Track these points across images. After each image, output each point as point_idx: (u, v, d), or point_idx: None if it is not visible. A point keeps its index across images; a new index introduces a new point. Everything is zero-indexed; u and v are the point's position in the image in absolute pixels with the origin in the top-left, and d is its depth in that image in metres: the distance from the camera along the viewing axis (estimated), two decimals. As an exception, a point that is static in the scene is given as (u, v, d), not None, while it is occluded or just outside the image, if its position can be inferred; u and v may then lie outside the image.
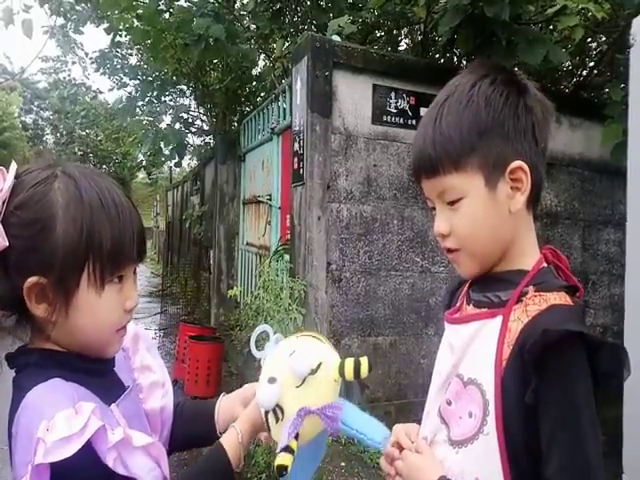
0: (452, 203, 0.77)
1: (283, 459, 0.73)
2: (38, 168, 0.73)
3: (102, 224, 0.70)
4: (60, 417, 0.60)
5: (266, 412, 0.79)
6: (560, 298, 0.72)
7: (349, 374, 0.77)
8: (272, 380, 0.78)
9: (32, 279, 0.67)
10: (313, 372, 0.77)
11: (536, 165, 0.76)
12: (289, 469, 0.73)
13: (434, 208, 0.81)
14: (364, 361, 0.78)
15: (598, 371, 0.67)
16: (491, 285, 0.79)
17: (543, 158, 0.79)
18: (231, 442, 0.83)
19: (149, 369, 0.91)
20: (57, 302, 0.69)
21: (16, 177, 0.70)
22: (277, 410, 0.77)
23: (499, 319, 0.73)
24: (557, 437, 0.66)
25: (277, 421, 0.78)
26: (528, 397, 0.66)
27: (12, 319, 0.73)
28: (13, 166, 0.70)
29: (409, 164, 3.36)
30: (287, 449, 0.74)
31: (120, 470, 0.63)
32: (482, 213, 0.75)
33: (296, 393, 0.77)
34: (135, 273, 0.78)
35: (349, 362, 0.78)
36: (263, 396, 0.78)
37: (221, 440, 0.84)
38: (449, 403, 0.79)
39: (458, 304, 0.86)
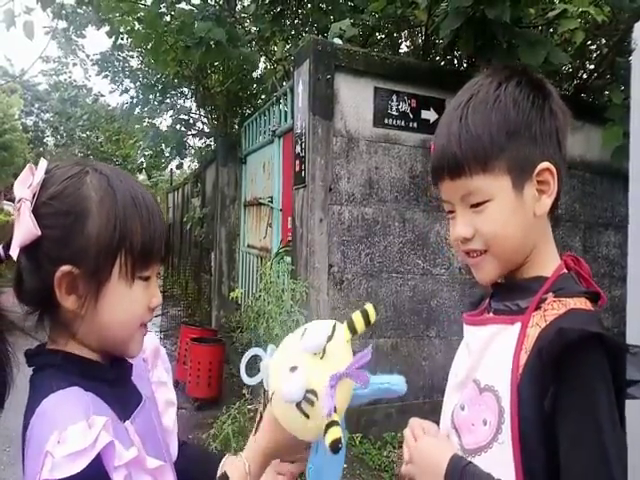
0: (476, 205, 0.74)
1: (334, 433, 0.67)
2: (68, 164, 0.74)
3: (134, 221, 0.71)
4: (73, 430, 0.59)
5: (297, 404, 0.72)
6: (580, 303, 0.70)
7: (360, 325, 0.74)
8: (293, 369, 0.72)
9: (65, 268, 0.67)
10: (330, 338, 0.72)
11: (560, 169, 0.75)
12: (343, 441, 0.69)
13: (451, 211, 0.79)
14: (370, 307, 0.75)
15: (620, 376, 0.65)
16: (510, 293, 0.77)
17: (564, 164, 0.77)
18: (239, 473, 0.76)
19: (165, 386, 0.90)
20: (87, 293, 0.69)
21: (46, 172, 0.70)
22: (309, 395, 0.70)
23: (517, 326, 0.71)
24: (576, 450, 0.64)
25: (313, 405, 0.71)
26: (547, 403, 0.64)
27: (33, 319, 0.73)
28: (43, 161, 0.71)
29: (410, 167, 3.37)
30: (333, 424, 0.68)
31: None
32: (509, 216, 0.73)
33: (321, 367, 0.71)
34: (158, 273, 0.80)
35: (357, 315, 0.74)
36: (290, 388, 0.70)
37: (226, 469, 0.78)
38: (462, 408, 0.77)
39: (480, 309, 0.85)
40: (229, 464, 0.82)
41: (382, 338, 3.28)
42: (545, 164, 0.73)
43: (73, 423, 0.60)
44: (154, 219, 0.73)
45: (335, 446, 0.68)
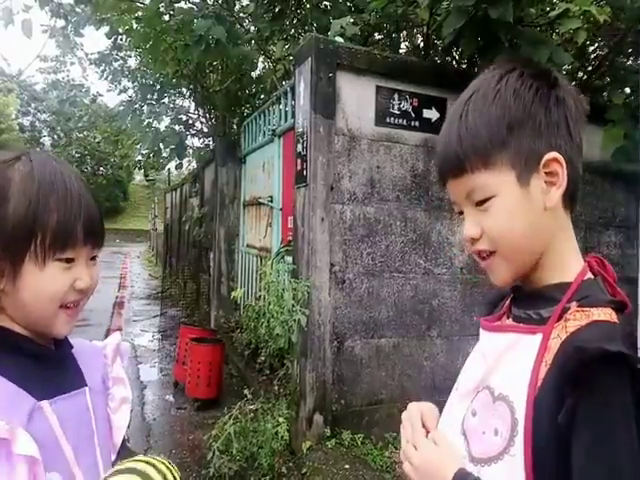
0: (481, 203, 0.72)
1: None
2: (8, 152, 0.80)
3: (50, 205, 0.75)
4: None
5: None
6: (604, 314, 0.67)
7: None
8: None
9: None
10: None
11: (572, 159, 0.72)
12: None
13: (461, 212, 0.77)
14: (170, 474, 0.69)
15: None
16: (532, 301, 0.74)
17: (579, 154, 0.74)
18: None
19: (123, 383, 0.93)
20: (5, 271, 0.74)
21: None
22: None
23: (538, 337, 0.68)
24: (590, 467, 0.61)
25: None
26: (562, 418, 0.62)
27: None
28: None
29: (412, 166, 3.37)
30: None
31: None
32: (515, 212, 0.70)
33: None
34: (94, 259, 0.83)
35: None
36: None
37: None
38: (474, 414, 0.75)
39: (499, 314, 0.82)
40: None
41: (383, 338, 3.26)
42: (552, 154, 0.70)
43: None
44: (72, 203, 0.76)
45: None
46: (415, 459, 0.76)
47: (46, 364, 0.79)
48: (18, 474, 0.65)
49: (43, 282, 0.75)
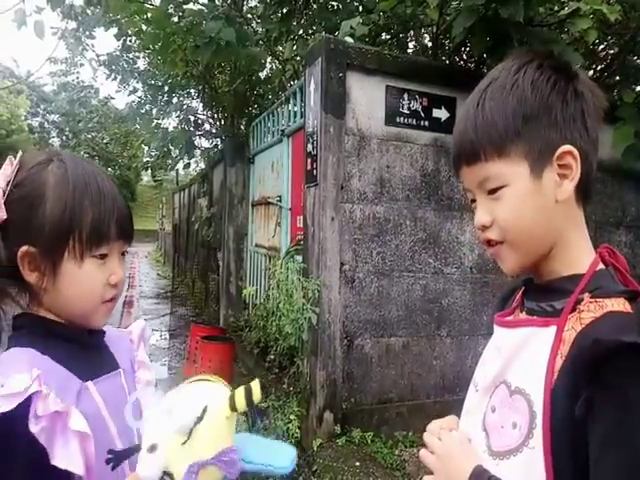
0: (493, 192, 0.73)
1: None
2: (39, 154, 0.83)
3: (84, 205, 0.79)
4: (15, 377, 0.68)
5: None
6: (618, 304, 0.67)
7: (241, 404, 0.69)
8: (152, 448, 0.67)
9: (24, 247, 0.77)
10: (199, 420, 0.67)
11: (587, 153, 0.72)
12: None
13: (474, 200, 0.78)
14: (255, 385, 0.70)
15: None
16: (545, 294, 0.75)
17: (594, 149, 0.74)
18: None
19: (146, 367, 0.98)
20: (46, 270, 0.77)
21: (20, 162, 0.81)
22: (166, 478, 0.67)
23: (553, 329, 0.69)
24: (604, 463, 0.61)
25: None
26: (578, 409, 0.62)
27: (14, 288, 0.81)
28: (19, 154, 0.82)
29: (422, 165, 3.37)
30: None
31: (42, 439, 0.67)
32: (526, 202, 0.71)
33: (184, 451, 0.67)
34: (123, 255, 0.87)
35: (239, 392, 0.70)
36: (144, 469, 0.67)
37: None
38: (493, 410, 0.75)
39: (511, 307, 0.82)
40: None
41: (393, 337, 3.28)
42: (566, 147, 0.70)
43: (17, 372, 0.69)
44: (105, 201, 0.80)
45: None
46: (438, 449, 0.77)
47: (85, 348, 0.84)
48: (71, 447, 0.70)
49: (83, 278, 0.79)
